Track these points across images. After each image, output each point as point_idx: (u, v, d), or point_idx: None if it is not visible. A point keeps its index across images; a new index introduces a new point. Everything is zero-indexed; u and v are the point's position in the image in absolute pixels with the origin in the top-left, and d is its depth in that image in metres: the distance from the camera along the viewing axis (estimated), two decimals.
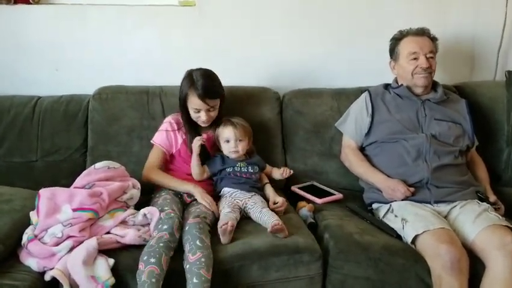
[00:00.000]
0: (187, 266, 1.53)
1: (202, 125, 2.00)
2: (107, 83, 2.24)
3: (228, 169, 1.97)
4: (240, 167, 1.98)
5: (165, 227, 1.63)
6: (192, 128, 2.00)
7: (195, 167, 1.95)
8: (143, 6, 2.33)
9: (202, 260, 1.52)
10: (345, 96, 2.31)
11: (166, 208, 1.74)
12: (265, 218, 1.76)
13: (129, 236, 1.63)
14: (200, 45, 2.36)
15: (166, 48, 2.37)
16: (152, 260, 1.50)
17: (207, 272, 1.51)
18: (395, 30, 2.15)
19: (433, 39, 2.10)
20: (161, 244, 1.56)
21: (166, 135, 1.99)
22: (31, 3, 2.26)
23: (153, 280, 1.46)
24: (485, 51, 2.57)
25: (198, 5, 2.34)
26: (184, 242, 1.63)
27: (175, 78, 2.21)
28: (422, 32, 2.09)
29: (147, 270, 1.48)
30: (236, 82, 2.11)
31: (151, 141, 2.02)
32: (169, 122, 2.02)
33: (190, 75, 1.97)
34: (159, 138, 2.01)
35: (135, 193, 1.82)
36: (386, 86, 2.17)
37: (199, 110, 1.95)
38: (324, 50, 2.46)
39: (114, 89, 2.21)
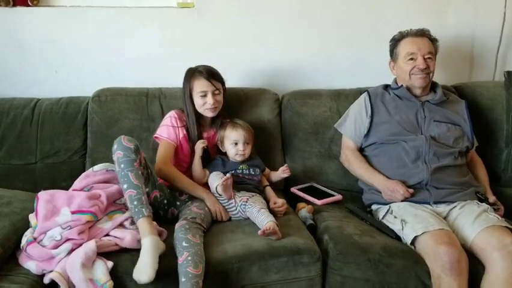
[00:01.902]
0: (178, 269, 1.54)
1: (209, 114, 2.00)
2: (106, 84, 2.24)
3: (231, 171, 1.97)
4: (242, 169, 1.98)
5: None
6: (196, 121, 2.00)
7: (196, 169, 1.96)
8: (142, 8, 2.33)
9: (189, 258, 1.53)
10: (344, 97, 2.31)
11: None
12: (262, 217, 1.75)
13: (127, 239, 1.63)
14: (199, 47, 2.37)
15: (165, 50, 2.37)
16: (125, 186, 1.65)
17: (194, 268, 1.51)
18: (395, 30, 2.15)
19: (433, 41, 2.10)
20: (122, 166, 1.66)
21: (172, 129, 2.00)
22: (30, 6, 2.26)
23: (135, 200, 1.63)
24: (484, 51, 2.57)
25: (196, 6, 2.35)
26: (174, 248, 1.63)
27: (174, 80, 2.22)
28: (422, 33, 2.08)
29: (127, 195, 1.65)
30: (235, 83, 2.12)
31: (157, 136, 2.01)
32: (173, 117, 2.02)
33: (191, 69, 2.03)
34: (166, 132, 2.00)
35: None
36: (386, 87, 2.17)
37: (205, 94, 1.96)
38: (323, 50, 2.47)
39: (113, 91, 2.21)
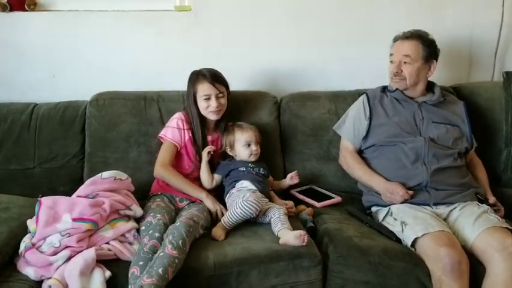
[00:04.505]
0: (161, 254, 1.52)
1: (213, 117, 2.01)
2: (104, 88, 2.23)
3: (241, 168, 1.96)
4: (252, 168, 1.98)
5: (157, 234, 1.64)
6: (201, 124, 2.01)
7: (204, 175, 1.97)
8: (139, 12, 2.33)
9: (176, 261, 1.52)
10: (342, 99, 2.30)
11: (158, 215, 1.75)
12: (285, 219, 1.76)
13: (126, 254, 1.62)
14: (196, 50, 2.36)
15: (162, 53, 2.37)
16: (149, 268, 1.50)
17: (172, 272, 1.49)
18: (393, 32, 2.13)
19: (425, 43, 2.03)
20: (155, 255, 1.55)
21: (177, 131, 2.00)
22: (27, 10, 2.26)
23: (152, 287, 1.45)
24: (482, 52, 2.57)
25: (193, 9, 2.35)
26: (168, 231, 1.62)
27: (172, 83, 2.23)
28: (411, 35, 2.04)
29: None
30: (233, 87, 2.11)
31: (161, 136, 2.02)
32: (180, 119, 2.03)
33: (195, 72, 2.03)
34: (171, 133, 2.00)
35: (138, 211, 1.80)
36: (384, 89, 2.17)
37: (209, 97, 1.97)
38: (321, 53, 2.46)
39: (111, 95, 2.21)
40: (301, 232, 1.67)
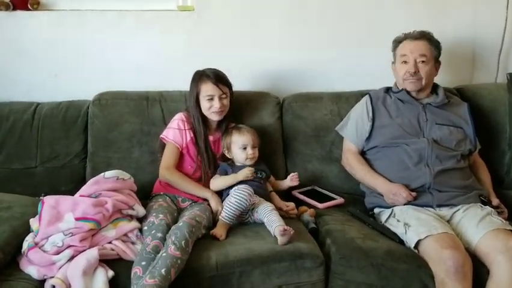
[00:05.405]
0: (164, 254, 1.52)
1: (215, 118, 2.01)
2: (106, 88, 2.23)
3: None
4: None
5: (159, 234, 1.63)
6: (203, 124, 2.01)
7: (220, 183, 1.94)
8: (142, 11, 2.33)
9: (179, 261, 1.52)
10: (345, 100, 2.30)
11: (160, 215, 1.75)
12: (275, 218, 1.76)
13: (129, 254, 1.62)
14: (199, 50, 2.36)
15: (165, 53, 2.36)
16: (152, 268, 1.50)
17: (175, 273, 1.49)
18: (395, 33, 2.14)
19: (433, 43, 2.05)
20: (157, 255, 1.55)
21: (178, 132, 2.00)
22: (30, 10, 2.26)
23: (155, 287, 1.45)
24: (486, 53, 2.56)
25: (196, 9, 2.35)
26: (170, 231, 1.62)
27: (174, 83, 2.23)
28: (421, 36, 2.04)
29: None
30: (236, 87, 2.11)
31: (163, 137, 2.02)
32: (181, 120, 2.02)
33: (198, 73, 2.03)
34: (172, 135, 2.01)
35: (140, 210, 1.81)
36: (387, 90, 2.16)
37: (212, 98, 1.97)
38: (324, 53, 2.45)
39: (114, 95, 2.21)
40: (281, 228, 1.68)
